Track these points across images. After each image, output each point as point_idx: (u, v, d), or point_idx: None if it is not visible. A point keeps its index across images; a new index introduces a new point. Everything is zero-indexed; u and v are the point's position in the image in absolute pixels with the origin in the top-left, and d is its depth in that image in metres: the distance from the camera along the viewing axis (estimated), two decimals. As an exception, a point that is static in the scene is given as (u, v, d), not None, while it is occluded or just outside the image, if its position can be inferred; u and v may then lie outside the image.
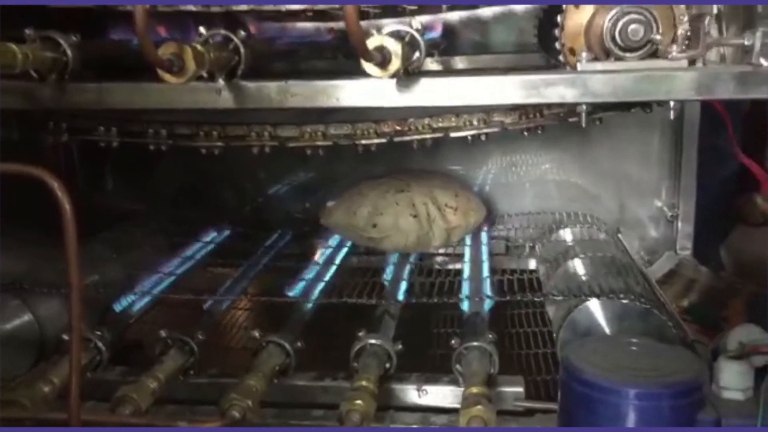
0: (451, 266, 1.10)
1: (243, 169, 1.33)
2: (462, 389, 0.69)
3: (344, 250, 1.09)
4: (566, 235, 1.14)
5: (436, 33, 1.01)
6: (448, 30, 1.06)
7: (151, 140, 0.78)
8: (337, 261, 1.04)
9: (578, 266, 0.94)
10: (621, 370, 0.57)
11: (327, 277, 0.96)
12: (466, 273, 0.98)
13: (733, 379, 0.57)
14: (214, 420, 0.63)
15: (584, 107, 0.65)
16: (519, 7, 1.03)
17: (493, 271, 1.00)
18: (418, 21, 0.65)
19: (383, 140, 0.76)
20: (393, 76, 0.59)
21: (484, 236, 1.14)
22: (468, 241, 1.11)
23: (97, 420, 0.61)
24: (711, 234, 1.58)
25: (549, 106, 0.73)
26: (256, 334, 0.77)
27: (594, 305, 0.79)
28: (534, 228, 1.20)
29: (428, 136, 0.75)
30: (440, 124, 0.80)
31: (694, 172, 1.21)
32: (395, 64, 0.57)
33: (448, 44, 1.04)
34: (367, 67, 0.57)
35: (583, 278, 0.89)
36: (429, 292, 0.90)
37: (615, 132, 1.24)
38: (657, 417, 0.55)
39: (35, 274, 0.88)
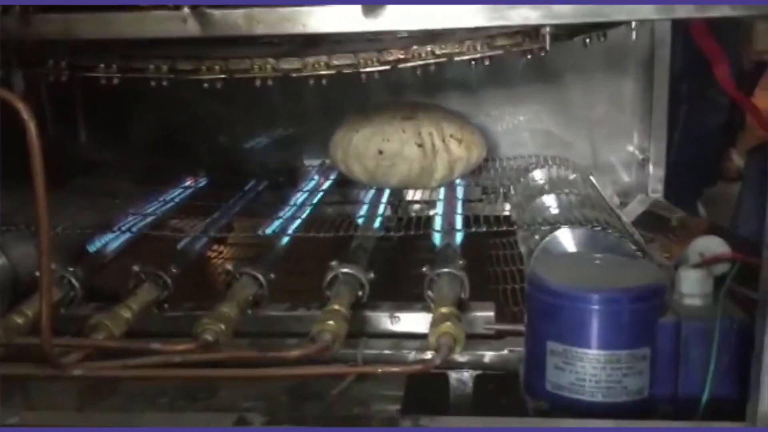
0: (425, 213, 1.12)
1: (219, 120, 1.34)
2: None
3: (319, 194, 1.09)
4: (538, 176, 1.15)
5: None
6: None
7: (153, 75, 0.78)
8: (313, 201, 1.04)
9: (549, 201, 0.96)
10: (584, 280, 0.59)
11: (302, 216, 0.96)
12: (440, 210, 0.99)
13: (692, 286, 0.59)
14: (186, 343, 0.64)
15: (548, 29, 0.65)
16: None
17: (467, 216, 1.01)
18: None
19: (387, 68, 0.76)
20: None
21: (458, 181, 1.14)
22: (442, 188, 1.12)
23: (70, 344, 0.61)
24: (691, 187, 1.61)
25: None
26: (230, 266, 0.77)
27: (564, 234, 0.80)
28: (508, 173, 1.21)
29: (432, 61, 0.74)
30: (443, 51, 0.78)
31: (665, 113, 1.22)
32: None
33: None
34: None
35: (554, 211, 0.91)
36: (403, 228, 0.90)
37: (587, 77, 1.26)
38: (618, 321, 0.56)
39: (7, 217, 0.88)
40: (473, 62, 0.78)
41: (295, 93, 1.29)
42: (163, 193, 1.09)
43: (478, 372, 0.72)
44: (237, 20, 0.68)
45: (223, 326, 0.66)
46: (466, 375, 0.72)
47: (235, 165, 1.29)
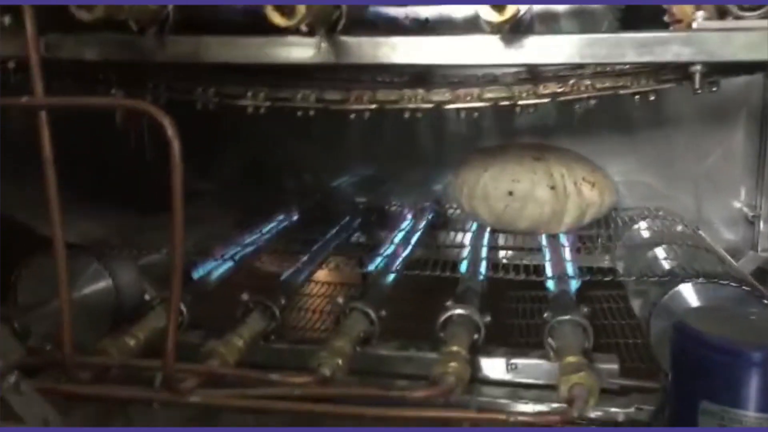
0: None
1: (306, 157, 1.34)
2: (553, 364, 0.67)
3: (416, 234, 1.07)
4: (642, 227, 1.10)
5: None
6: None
7: (250, 102, 0.77)
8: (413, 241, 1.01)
9: (661, 253, 0.91)
10: (742, 335, 0.54)
11: (405, 254, 0.94)
12: (547, 256, 0.95)
13: None
14: (304, 376, 0.61)
15: (698, 67, 0.62)
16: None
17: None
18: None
19: (486, 104, 0.73)
20: (506, 23, 0.57)
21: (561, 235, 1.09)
22: (543, 239, 1.08)
23: (189, 369, 0.60)
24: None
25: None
26: (340, 300, 0.75)
27: (686, 289, 0.76)
28: (607, 226, 1.16)
29: (533, 101, 0.72)
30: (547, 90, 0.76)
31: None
32: (511, 9, 0.55)
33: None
34: (481, 10, 0.56)
35: (668, 263, 0.86)
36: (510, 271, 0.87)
37: (694, 129, 1.21)
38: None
39: (113, 240, 0.89)
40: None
41: (384, 132, 1.28)
42: (257, 225, 1.08)
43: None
44: (370, 49, 0.67)
45: (340, 361, 0.64)
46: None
47: (325, 203, 1.28)
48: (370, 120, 0.81)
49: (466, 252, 0.97)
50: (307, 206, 1.23)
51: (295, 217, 1.18)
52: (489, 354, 0.73)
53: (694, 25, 0.62)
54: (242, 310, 0.75)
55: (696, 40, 0.61)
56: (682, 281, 0.76)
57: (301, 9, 0.57)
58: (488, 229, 1.05)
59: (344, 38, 0.67)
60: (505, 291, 0.96)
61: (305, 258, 0.94)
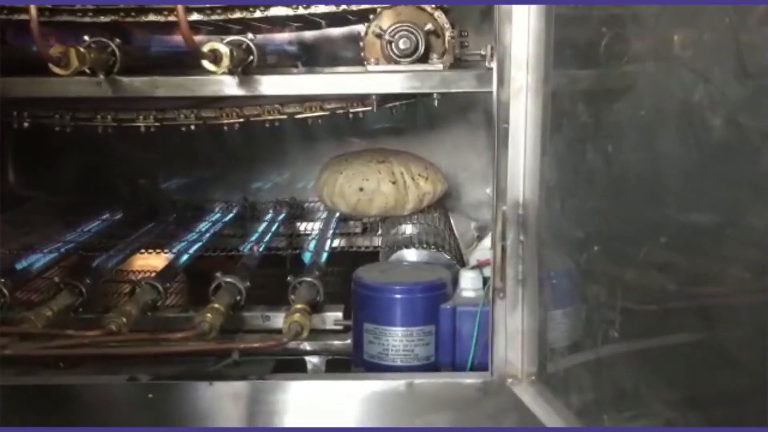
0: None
1: (137, 163, 1.54)
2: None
3: (219, 225, 1.30)
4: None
5: (293, 47, 1.24)
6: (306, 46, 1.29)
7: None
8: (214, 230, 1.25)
9: (408, 230, 1.20)
10: (390, 277, 0.81)
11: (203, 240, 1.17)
12: (316, 236, 1.21)
13: (467, 283, 0.82)
14: (95, 330, 0.83)
15: (374, 96, 0.89)
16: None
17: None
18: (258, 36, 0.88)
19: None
20: (226, 72, 0.81)
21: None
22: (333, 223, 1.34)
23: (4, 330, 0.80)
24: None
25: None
26: (133, 277, 0.97)
27: (409, 252, 1.04)
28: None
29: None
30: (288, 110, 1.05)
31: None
32: (225, 62, 0.79)
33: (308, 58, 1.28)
34: (204, 63, 0.80)
35: (407, 238, 1.15)
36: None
37: (451, 131, 1.51)
38: (412, 306, 0.79)
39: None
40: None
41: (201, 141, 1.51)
42: (81, 225, 1.28)
43: (329, 357, 0.93)
44: (140, 85, 0.89)
45: (124, 320, 0.86)
46: (318, 360, 0.92)
47: (149, 203, 1.48)
48: (193, 133, 1.12)
49: (254, 237, 1.21)
50: (131, 206, 1.43)
51: (118, 216, 1.38)
52: (250, 310, 0.97)
53: (369, 67, 0.89)
54: (54, 289, 0.95)
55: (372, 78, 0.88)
56: (405, 248, 1.04)
57: (74, 63, 0.79)
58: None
59: (119, 78, 0.89)
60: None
61: (119, 247, 1.15)
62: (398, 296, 0.79)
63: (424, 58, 0.89)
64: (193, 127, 1.16)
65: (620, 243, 0.59)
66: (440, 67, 0.88)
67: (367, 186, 1.24)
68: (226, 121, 1.16)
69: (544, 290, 0.70)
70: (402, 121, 1.46)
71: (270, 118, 1.08)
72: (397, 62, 0.88)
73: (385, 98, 0.92)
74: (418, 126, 1.50)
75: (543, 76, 0.68)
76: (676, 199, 0.51)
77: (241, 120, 1.15)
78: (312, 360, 0.93)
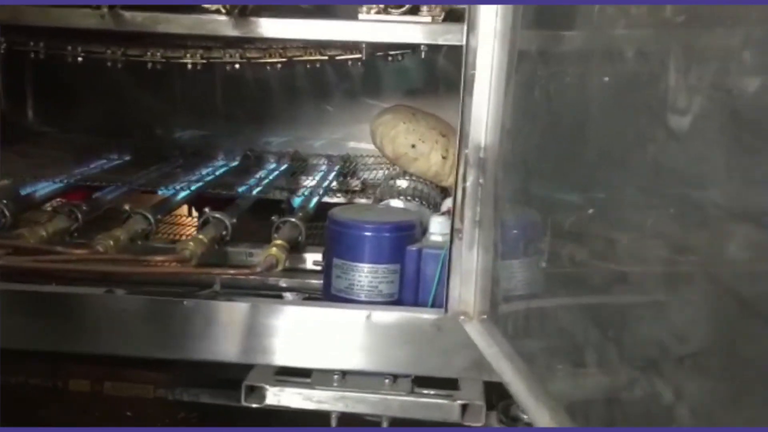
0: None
1: (152, 112, 1.59)
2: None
3: (222, 169, 1.35)
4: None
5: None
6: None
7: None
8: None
9: (402, 183, 1.23)
10: (363, 217, 0.85)
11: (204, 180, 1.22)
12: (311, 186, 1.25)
13: (435, 227, 0.85)
14: (83, 249, 0.88)
15: (364, 45, 0.92)
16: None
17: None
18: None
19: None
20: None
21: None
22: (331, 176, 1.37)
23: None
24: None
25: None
26: (127, 207, 1.02)
27: (394, 202, 1.07)
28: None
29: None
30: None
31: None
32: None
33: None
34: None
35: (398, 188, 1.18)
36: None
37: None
38: (379, 243, 0.82)
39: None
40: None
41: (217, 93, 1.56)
42: (91, 162, 1.33)
43: (306, 295, 0.97)
44: (142, 20, 0.93)
45: (112, 243, 0.90)
46: (295, 296, 0.96)
47: (159, 150, 1.53)
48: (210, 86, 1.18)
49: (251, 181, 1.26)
50: (142, 152, 1.48)
51: (128, 158, 1.43)
52: (235, 245, 1.01)
53: (360, 17, 0.92)
54: (50, 214, 1.01)
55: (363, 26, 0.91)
56: (391, 198, 1.08)
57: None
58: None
59: (122, 11, 0.93)
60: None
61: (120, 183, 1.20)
62: (367, 234, 0.82)
63: (415, 10, 0.92)
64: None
65: (555, 180, 0.62)
66: (429, 19, 0.90)
67: (420, 147, 1.25)
68: (269, 60, 1.17)
69: (496, 231, 0.73)
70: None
71: (272, 60, 1.12)
72: (388, 13, 0.91)
73: (375, 47, 0.95)
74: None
75: (511, 23, 0.70)
76: (598, 130, 0.53)
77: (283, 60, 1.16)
78: (288, 295, 0.97)
